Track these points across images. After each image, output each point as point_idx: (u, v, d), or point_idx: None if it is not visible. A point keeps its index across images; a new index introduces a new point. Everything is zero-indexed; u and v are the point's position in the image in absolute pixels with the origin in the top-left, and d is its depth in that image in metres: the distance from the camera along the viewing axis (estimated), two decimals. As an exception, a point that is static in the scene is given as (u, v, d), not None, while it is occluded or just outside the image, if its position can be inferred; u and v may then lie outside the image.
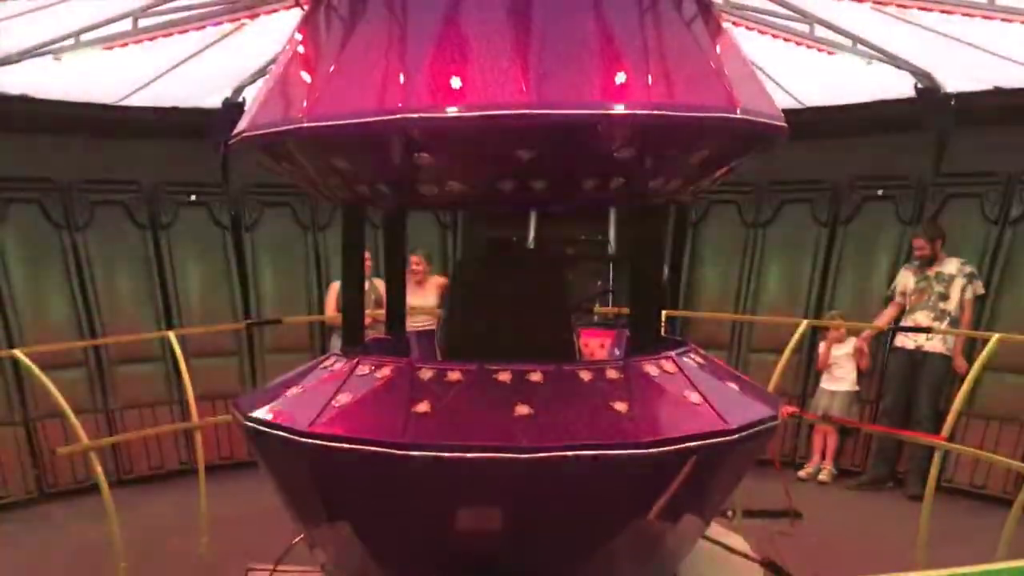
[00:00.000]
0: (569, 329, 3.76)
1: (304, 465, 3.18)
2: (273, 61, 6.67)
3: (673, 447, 3.01)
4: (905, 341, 8.23)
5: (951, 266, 8.15)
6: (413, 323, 7.87)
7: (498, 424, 2.95)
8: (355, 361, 3.30)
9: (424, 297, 8.67)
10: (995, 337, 6.20)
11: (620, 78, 2.95)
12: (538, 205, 6.66)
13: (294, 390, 3.38)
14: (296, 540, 3.76)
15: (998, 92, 8.19)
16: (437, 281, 8.98)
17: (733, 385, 3.55)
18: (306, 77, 3.21)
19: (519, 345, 3.42)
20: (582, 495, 3.04)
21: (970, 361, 7.37)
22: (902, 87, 8.25)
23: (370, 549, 3.31)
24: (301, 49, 3.35)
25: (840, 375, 8.52)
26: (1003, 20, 6.24)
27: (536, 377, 3.08)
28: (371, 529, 3.23)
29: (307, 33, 3.38)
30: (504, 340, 3.47)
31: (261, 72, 7.82)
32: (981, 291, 8.15)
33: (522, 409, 2.97)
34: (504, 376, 3.08)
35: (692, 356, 3.50)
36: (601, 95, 2.91)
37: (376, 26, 3.10)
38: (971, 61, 7.38)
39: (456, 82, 2.89)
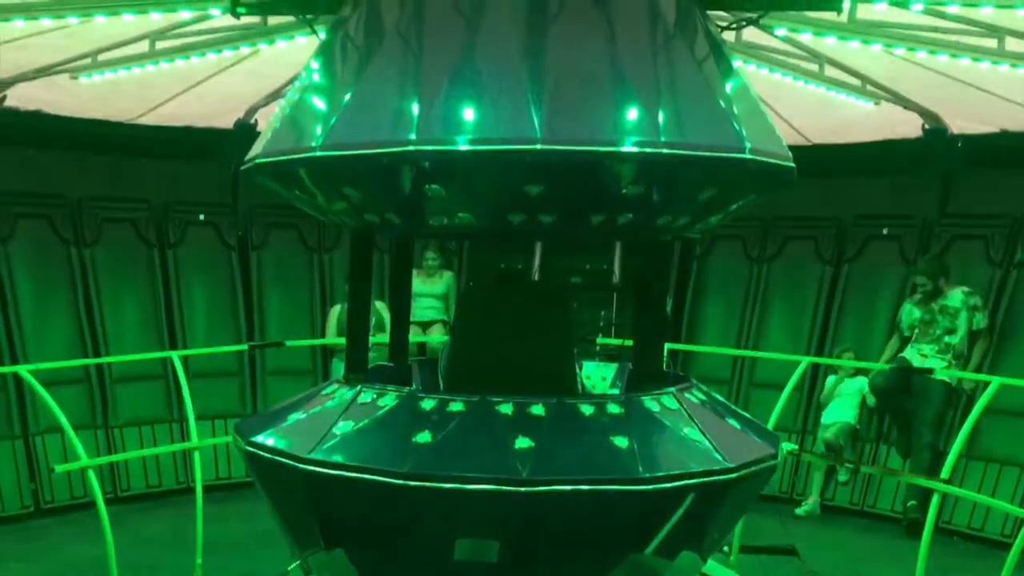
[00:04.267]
0: (572, 362, 3.77)
1: (303, 492, 3.18)
2: (287, 85, 6.73)
3: (672, 484, 3.02)
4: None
5: (956, 299, 8.01)
6: (417, 308, 8.06)
7: (498, 456, 2.95)
8: (357, 389, 3.31)
9: (432, 286, 8.82)
10: (996, 381, 6.18)
11: (631, 116, 2.98)
12: (546, 238, 6.69)
13: (295, 416, 3.40)
14: (292, 565, 3.76)
15: (1005, 135, 8.23)
16: (446, 275, 9.13)
17: (734, 422, 3.56)
18: (320, 106, 3.24)
19: (522, 377, 3.42)
20: (580, 529, 3.04)
21: (973, 397, 7.32)
22: (909, 127, 8.28)
23: (367, 577, 3.31)
24: (316, 78, 3.38)
25: (842, 408, 8.50)
26: (1011, 64, 6.28)
27: (538, 410, 3.10)
28: (369, 558, 3.23)
29: (323, 62, 3.42)
30: (507, 372, 3.47)
31: (274, 95, 7.86)
32: (984, 324, 8.03)
33: (523, 442, 2.98)
34: (506, 408, 3.09)
35: (693, 392, 3.51)
36: (612, 133, 2.93)
37: (391, 58, 3.14)
38: (979, 104, 7.42)
39: (468, 116, 2.92)
